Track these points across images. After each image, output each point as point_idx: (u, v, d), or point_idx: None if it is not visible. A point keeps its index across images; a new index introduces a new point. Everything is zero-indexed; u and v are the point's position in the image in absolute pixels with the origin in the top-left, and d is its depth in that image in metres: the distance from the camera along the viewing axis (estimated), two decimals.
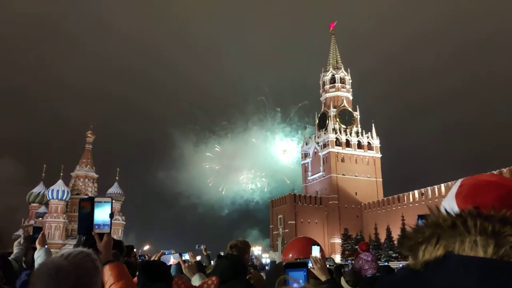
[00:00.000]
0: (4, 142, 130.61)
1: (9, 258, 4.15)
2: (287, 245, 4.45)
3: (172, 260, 2.92)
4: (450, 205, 0.96)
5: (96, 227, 2.01)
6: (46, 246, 3.64)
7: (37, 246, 3.62)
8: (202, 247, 7.41)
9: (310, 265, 2.94)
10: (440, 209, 0.74)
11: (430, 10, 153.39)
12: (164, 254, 3.15)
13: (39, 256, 3.53)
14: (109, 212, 2.05)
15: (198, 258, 7.63)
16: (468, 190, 0.94)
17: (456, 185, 1.01)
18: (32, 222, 78.21)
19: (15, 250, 4.27)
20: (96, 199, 2.07)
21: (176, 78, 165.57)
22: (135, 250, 7.25)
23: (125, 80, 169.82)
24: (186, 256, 9.62)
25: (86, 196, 2.18)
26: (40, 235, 3.62)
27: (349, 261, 15.80)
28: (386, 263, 37.77)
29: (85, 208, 2.04)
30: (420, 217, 1.85)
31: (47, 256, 3.63)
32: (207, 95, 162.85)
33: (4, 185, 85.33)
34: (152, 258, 2.98)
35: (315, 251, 3.39)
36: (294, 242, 4.56)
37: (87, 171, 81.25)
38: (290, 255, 4.14)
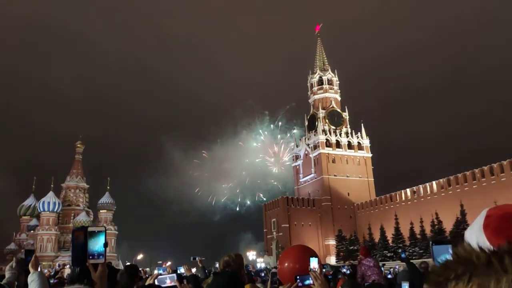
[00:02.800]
0: None
1: (1, 283, 4.08)
2: (282, 253, 4.44)
3: (168, 281, 2.90)
4: (478, 238, 0.90)
5: (90, 257, 1.95)
6: (39, 270, 3.58)
7: (30, 269, 3.55)
8: (197, 259, 7.37)
9: (310, 281, 2.96)
10: (472, 245, 0.69)
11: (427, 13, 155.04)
12: (160, 275, 3.13)
13: (32, 280, 3.47)
14: (103, 241, 2.01)
15: (194, 270, 7.60)
16: (497, 222, 0.89)
17: (481, 216, 0.96)
18: (23, 235, 77.23)
19: (7, 274, 4.19)
20: (89, 229, 2.02)
21: (163, 85, 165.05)
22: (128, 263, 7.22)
23: (113, 88, 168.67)
24: (182, 269, 9.57)
25: (79, 227, 2.12)
26: (32, 258, 3.56)
27: (345, 267, 15.79)
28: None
29: (79, 239, 1.99)
30: (434, 243, 1.89)
31: (41, 280, 3.58)
32: (195, 101, 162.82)
33: None
34: (147, 282, 2.96)
35: (314, 263, 3.39)
36: (289, 250, 4.56)
37: (78, 181, 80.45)
38: (286, 264, 4.13)
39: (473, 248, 0.68)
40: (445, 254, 1.88)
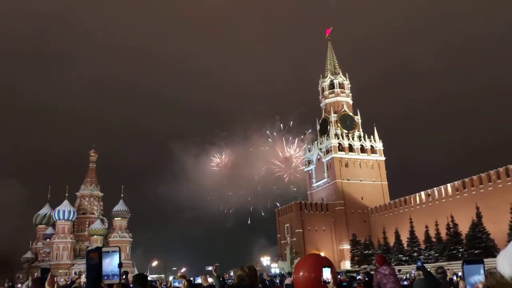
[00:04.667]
0: (8, 165, 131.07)
1: None
2: (297, 263, 4.45)
3: None
4: None
5: (105, 277, 1.99)
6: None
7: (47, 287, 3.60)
8: (211, 268, 7.38)
9: None
10: (505, 276, 0.62)
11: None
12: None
13: None
14: (117, 261, 2.04)
15: (210, 280, 7.60)
16: None
17: None
18: (40, 244, 78.18)
19: None
20: (103, 249, 2.05)
21: (173, 91, 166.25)
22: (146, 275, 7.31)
23: (124, 96, 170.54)
24: (199, 280, 9.58)
25: (93, 248, 2.16)
26: (48, 277, 3.61)
27: (360, 275, 15.61)
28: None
29: (93, 260, 2.02)
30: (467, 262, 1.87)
31: None
32: (206, 107, 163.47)
33: (9, 207, 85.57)
34: None
35: (326, 273, 3.37)
36: (304, 260, 4.55)
37: (92, 190, 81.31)
38: (301, 273, 4.15)
39: (506, 280, 0.60)
40: (476, 274, 1.85)
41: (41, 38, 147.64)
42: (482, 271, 1.85)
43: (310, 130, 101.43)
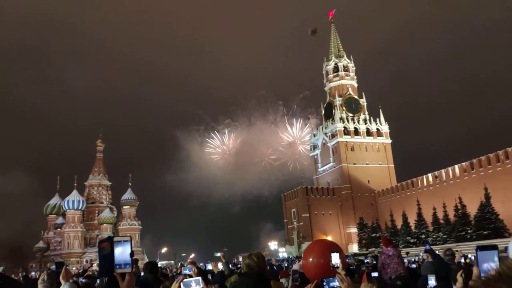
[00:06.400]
0: (16, 157, 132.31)
1: None
2: (306, 248, 4.47)
3: (193, 284, 2.93)
4: None
5: (117, 267, 1.97)
6: (70, 281, 3.67)
7: (62, 281, 3.64)
8: (220, 254, 7.46)
9: (336, 283, 2.95)
10: None
11: None
12: (186, 278, 3.17)
13: None
14: (129, 251, 2.04)
15: (220, 266, 7.69)
16: None
17: None
18: (51, 233, 79.35)
19: (40, 287, 4.31)
20: (115, 239, 2.05)
21: (176, 79, 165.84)
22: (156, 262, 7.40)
23: (129, 84, 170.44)
24: (209, 266, 9.67)
25: (104, 237, 2.16)
26: (63, 271, 3.65)
27: (368, 259, 15.70)
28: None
29: (105, 249, 2.02)
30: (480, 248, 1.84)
31: None
32: (208, 94, 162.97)
33: (20, 199, 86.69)
34: (172, 286, 3.01)
35: (335, 258, 3.37)
36: (313, 245, 4.57)
37: (100, 179, 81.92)
38: (311, 259, 4.17)
39: None
40: (490, 261, 1.82)
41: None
42: (496, 258, 1.82)
43: (314, 114, 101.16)
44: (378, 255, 9.23)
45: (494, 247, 1.88)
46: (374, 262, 12.45)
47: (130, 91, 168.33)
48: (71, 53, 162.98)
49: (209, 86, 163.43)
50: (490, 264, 1.79)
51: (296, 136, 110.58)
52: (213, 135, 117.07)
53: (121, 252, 2.01)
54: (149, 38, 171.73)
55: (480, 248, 1.86)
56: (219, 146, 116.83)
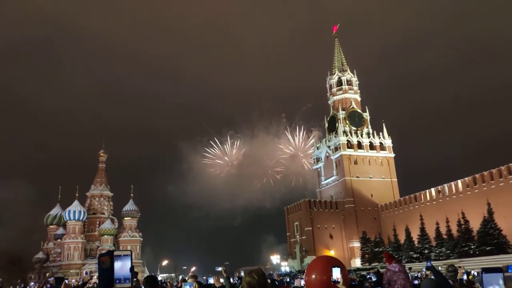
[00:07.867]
0: (19, 166, 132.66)
1: None
2: (308, 265, 4.39)
3: None
4: None
5: (117, 281, 1.98)
6: None
7: None
8: (221, 269, 7.36)
9: None
10: None
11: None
12: None
13: None
14: (129, 265, 2.02)
15: (222, 281, 7.58)
16: None
17: None
18: (51, 244, 78.97)
19: None
20: (115, 253, 2.04)
21: (180, 91, 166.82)
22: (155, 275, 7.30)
23: (133, 97, 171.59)
24: (211, 280, 9.53)
25: (105, 250, 2.12)
26: (62, 286, 3.61)
27: (370, 275, 15.52)
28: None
29: (105, 263, 2.02)
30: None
31: None
32: (212, 106, 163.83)
33: (21, 208, 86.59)
34: None
35: (336, 273, 3.31)
36: (314, 262, 4.50)
37: (102, 190, 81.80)
38: (313, 276, 4.10)
39: None
40: (495, 283, 1.76)
41: (47, 41, 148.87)
42: (501, 281, 1.76)
43: (317, 128, 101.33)
44: (382, 271, 9.11)
45: (500, 270, 1.83)
46: (374, 279, 12.25)
47: (133, 102, 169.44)
48: (76, 55, 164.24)
49: (212, 96, 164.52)
50: (495, 287, 1.73)
51: (299, 148, 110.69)
52: (215, 146, 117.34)
53: (121, 267, 2.00)
54: (152, 44, 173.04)
55: (485, 270, 1.80)
56: (221, 158, 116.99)
